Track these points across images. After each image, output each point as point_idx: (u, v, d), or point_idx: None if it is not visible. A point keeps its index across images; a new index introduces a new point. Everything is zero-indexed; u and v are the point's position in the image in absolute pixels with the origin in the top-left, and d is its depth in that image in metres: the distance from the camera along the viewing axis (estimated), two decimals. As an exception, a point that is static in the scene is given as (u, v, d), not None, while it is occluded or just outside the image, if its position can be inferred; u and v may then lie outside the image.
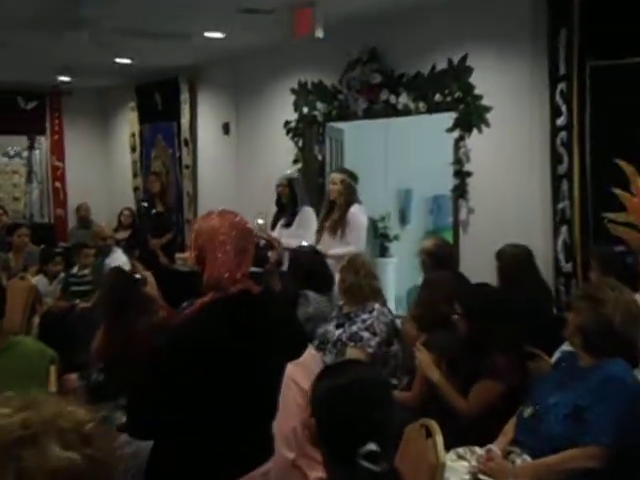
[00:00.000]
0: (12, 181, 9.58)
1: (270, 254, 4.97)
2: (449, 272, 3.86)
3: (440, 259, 4.17)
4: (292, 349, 2.19)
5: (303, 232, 5.24)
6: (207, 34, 5.93)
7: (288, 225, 5.36)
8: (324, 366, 2.10)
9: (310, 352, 2.73)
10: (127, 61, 7.34)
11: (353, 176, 5.13)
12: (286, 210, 5.45)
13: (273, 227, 5.44)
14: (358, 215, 4.95)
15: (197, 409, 1.93)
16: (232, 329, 1.96)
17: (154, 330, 3.31)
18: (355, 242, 4.82)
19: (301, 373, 2.68)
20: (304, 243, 4.93)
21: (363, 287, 3.67)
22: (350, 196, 4.96)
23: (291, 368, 2.26)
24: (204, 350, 1.91)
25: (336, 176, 5.06)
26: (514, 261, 3.89)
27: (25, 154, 9.35)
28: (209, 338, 1.93)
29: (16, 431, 1.02)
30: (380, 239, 7.91)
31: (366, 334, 3.54)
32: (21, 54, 6.56)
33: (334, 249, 4.72)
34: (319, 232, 5.07)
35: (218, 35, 5.98)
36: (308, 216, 5.36)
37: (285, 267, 4.62)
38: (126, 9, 4.80)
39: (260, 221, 5.27)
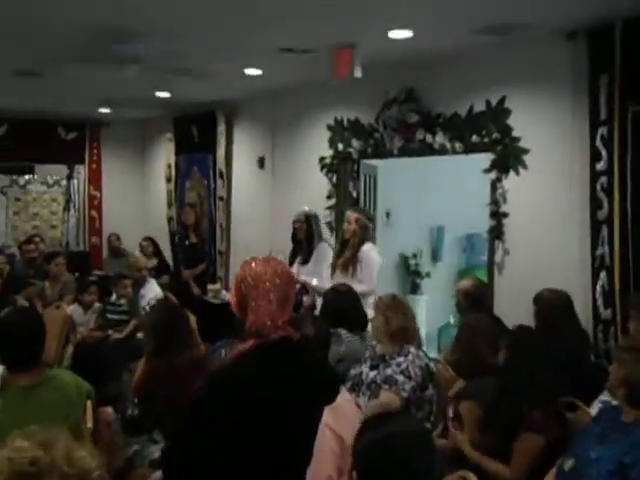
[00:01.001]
0: (50, 209, 9.77)
1: (305, 298, 4.99)
2: (485, 315, 3.82)
3: (476, 300, 4.15)
4: (326, 394, 2.18)
5: (320, 268, 5.27)
6: (246, 71, 6.03)
7: (305, 262, 5.39)
8: (365, 419, 2.08)
9: (344, 397, 2.72)
10: (166, 95, 7.49)
11: (368, 216, 5.19)
12: (302, 247, 5.48)
13: (290, 264, 5.46)
14: (371, 254, 4.99)
15: (235, 456, 1.93)
16: (272, 376, 1.96)
17: (195, 365, 3.32)
18: (367, 280, 4.86)
19: (336, 418, 2.67)
20: (314, 282, 4.96)
21: (410, 329, 3.64)
22: (364, 235, 5.01)
23: (326, 414, 2.25)
24: (244, 397, 1.91)
25: (351, 215, 5.10)
26: (553, 306, 3.83)
27: (64, 183, 9.54)
28: (249, 386, 1.92)
29: (24, 466, 1.10)
30: (411, 276, 7.88)
31: (401, 377, 3.50)
32: (64, 86, 6.73)
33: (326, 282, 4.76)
34: (332, 269, 5.11)
35: (257, 72, 6.08)
36: (325, 252, 5.40)
37: (318, 310, 4.62)
38: (169, 47, 4.90)
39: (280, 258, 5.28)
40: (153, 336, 3.51)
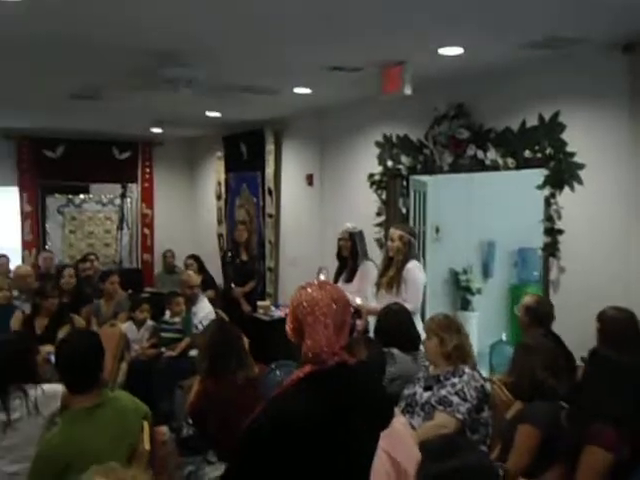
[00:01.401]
0: (104, 227, 10.01)
1: (358, 322, 4.96)
2: (544, 335, 3.73)
3: (539, 316, 4.07)
4: (382, 419, 2.16)
5: (364, 287, 5.22)
6: (295, 90, 6.08)
7: (349, 280, 5.34)
8: (428, 448, 2.05)
9: (398, 419, 2.68)
10: (217, 114, 7.61)
11: (412, 232, 5.10)
12: (347, 264, 5.45)
13: (335, 282, 5.43)
14: (415, 272, 4.89)
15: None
16: (329, 405, 1.94)
17: (249, 386, 3.33)
18: (412, 299, 4.76)
19: (391, 442, 2.63)
20: (357, 301, 4.90)
21: (465, 348, 3.59)
22: (408, 253, 4.93)
23: (382, 439, 2.22)
24: (301, 428, 1.89)
25: (395, 232, 5.02)
26: (617, 325, 3.72)
27: (117, 202, 9.76)
28: (306, 416, 1.91)
29: None
30: (462, 292, 7.78)
31: (456, 399, 3.44)
32: (119, 108, 6.90)
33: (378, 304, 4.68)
34: (376, 288, 5.04)
35: (306, 91, 6.12)
36: (369, 271, 5.34)
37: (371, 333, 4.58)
38: (220, 68, 4.99)
39: (322, 277, 5.28)
40: (207, 356, 3.52)
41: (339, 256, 5.56)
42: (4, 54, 4.69)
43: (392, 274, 4.92)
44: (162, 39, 4.30)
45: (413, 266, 4.90)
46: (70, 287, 6.35)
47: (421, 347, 4.00)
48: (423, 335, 3.83)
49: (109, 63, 4.94)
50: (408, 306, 4.56)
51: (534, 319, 4.05)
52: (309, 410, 1.91)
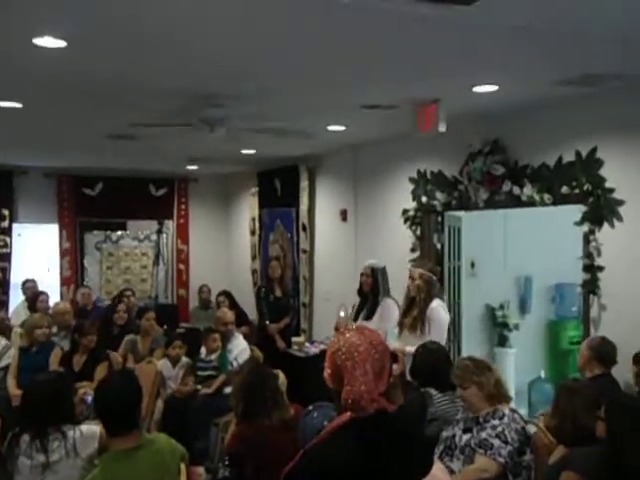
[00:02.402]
0: (141, 263, 10.14)
1: (395, 367, 4.86)
2: (599, 374, 3.66)
3: (602, 355, 4.00)
4: (421, 467, 2.11)
5: (384, 326, 5.06)
6: (329, 128, 6.14)
7: (369, 317, 5.26)
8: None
9: (438, 466, 2.62)
10: (251, 152, 7.71)
11: (434, 270, 4.96)
12: (367, 300, 5.38)
13: (355, 318, 5.38)
14: (440, 311, 4.76)
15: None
16: (369, 453, 1.91)
17: (284, 428, 3.30)
18: (437, 340, 4.54)
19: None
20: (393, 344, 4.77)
21: (502, 383, 3.53)
22: (430, 291, 4.80)
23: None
24: (341, 477, 1.87)
25: (415, 271, 4.90)
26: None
27: (154, 237, 9.90)
28: (346, 465, 1.88)
29: None
30: (499, 328, 7.65)
31: (497, 442, 3.37)
32: (155, 146, 7.04)
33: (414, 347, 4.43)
34: (399, 328, 4.91)
35: (340, 128, 6.17)
36: (389, 309, 5.25)
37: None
38: (255, 109, 5.06)
39: (342, 314, 5.22)
40: (242, 398, 3.51)
41: (360, 292, 5.50)
42: (45, 97, 4.84)
43: (415, 314, 4.78)
44: (200, 82, 4.39)
45: (437, 305, 4.78)
46: (123, 322, 6.50)
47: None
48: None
49: (146, 105, 5.06)
50: None
51: (595, 357, 3.97)
52: (350, 460, 1.89)
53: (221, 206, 10.76)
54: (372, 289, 5.36)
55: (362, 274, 5.47)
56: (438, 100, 4.72)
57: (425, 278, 4.83)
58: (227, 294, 8.08)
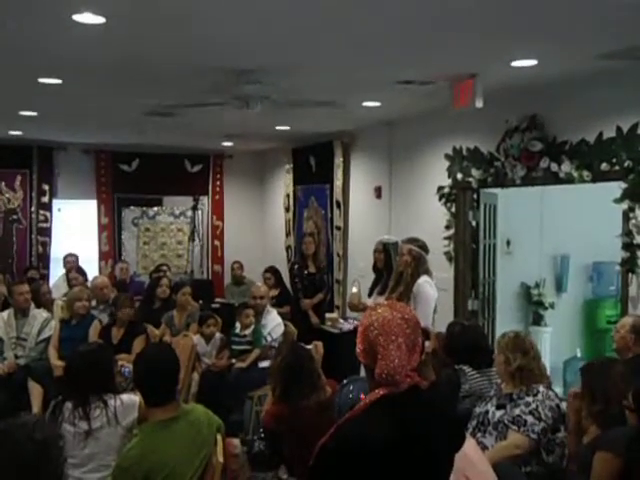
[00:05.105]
0: (177, 239, 10.27)
1: (427, 343, 4.86)
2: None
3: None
4: (453, 443, 2.12)
5: (423, 309, 5.01)
6: (364, 103, 6.10)
7: (383, 292, 5.24)
8: None
9: (470, 442, 2.63)
10: (286, 127, 7.71)
11: (423, 246, 4.89)
12: (382, 276, 5.37)
13: (369, 295, 5.38)
14: (426, 287, 4.70)
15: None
16: (404, 428, 1.92)
17: (321, 409, 3.34)
18: (422, 316, 4.28)
19: (464, 467, 2.59)
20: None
21: (533, 370, 3.52)
22: (418, 267, 4.75)
23: (456, 462, 2.19)
24: (374, 452, 1.87)
25: (404, 246, 4.87)
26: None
27: (189, 214, 9.99)
28: (379, 441, 1.88)
29: None
30: (534, 307, 7.59)
31: (530, 418, 3.37)
32: (191, 123, 7.08)
33: None
34: None
35: (375, 104, 6.13)
36: (418, 290, 5.12)
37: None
38: (290, 84, 5.05)
39: (354, 289, 5.23)
40: (281, 380, 3.54)
41: (375, 268, 5.50)
42: (84, 73, 4.90)
43: (402, 290, 4.75)
44: (235, 58, 4.40)
45: (424, 281, 4.72)
46: (165, 296, 6.60)
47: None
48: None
49: (183, 82, 5.09)
50: None
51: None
52: (383, 436, 1.89)
53: (256, 183, 10.81)
54: (385, 264, 5.37)
55: (375, 250, 5.47)
56: (475, 75, 4.65)
57: (414, 254, 4.78)
58: (274, 271, 8.02)
